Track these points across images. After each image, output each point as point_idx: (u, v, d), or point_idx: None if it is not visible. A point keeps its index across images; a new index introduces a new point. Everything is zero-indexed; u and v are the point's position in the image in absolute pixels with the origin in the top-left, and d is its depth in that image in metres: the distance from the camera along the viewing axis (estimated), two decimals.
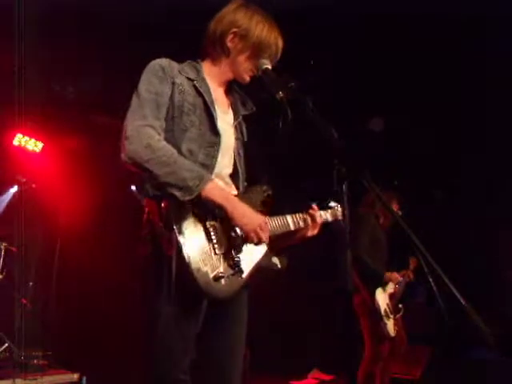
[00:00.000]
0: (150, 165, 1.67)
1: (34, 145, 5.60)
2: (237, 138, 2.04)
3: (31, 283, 4.96)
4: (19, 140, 5.51)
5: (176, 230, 1.65)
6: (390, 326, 4.21)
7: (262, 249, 1.95)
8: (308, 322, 6.06)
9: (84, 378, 4.33)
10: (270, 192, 2.04)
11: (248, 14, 1.96)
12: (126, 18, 4.35)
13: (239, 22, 1.95)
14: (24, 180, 5.05)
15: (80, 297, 5.14)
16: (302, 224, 2.09)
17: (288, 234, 2.07)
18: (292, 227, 2.06)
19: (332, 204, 2.38)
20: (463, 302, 1.49)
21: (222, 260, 1.77)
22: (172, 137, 1.81)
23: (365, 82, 5.08)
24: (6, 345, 4.44)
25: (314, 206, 2.14)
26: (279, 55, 2.02)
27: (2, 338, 4.45)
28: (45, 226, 5.36)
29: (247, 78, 2.01)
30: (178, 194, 1.67)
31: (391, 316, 4.24)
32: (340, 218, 2.39)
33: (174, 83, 1.85)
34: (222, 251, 1.78)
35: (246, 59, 1.96)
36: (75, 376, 4.33)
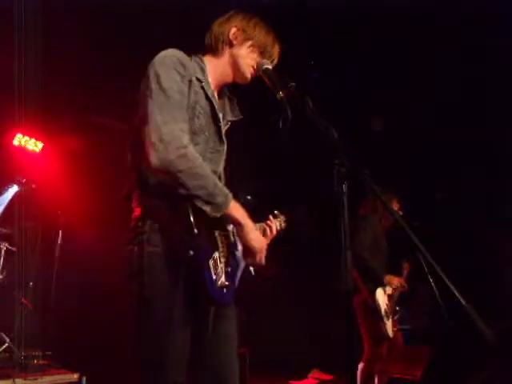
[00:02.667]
0: (183, 175, 1.64)
1: (33, 145, 5.61)
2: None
3: (31, 283, 4.96)
4: (19, 140, 5.51)
5: (196, 235, 1.65)
6: (389, 326, 4.23)
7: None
8: (308, 322, 6.05)
9: (84, 378, 4.32)
10: (251, 201, 2.05)
11: (247, 17, 2.03)
12: (127, 17, 4.36)
13: (240, 22, 2.00)
14: (24, 180, 5.05)
15: (80, 297, 5.14)
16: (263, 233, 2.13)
17: None
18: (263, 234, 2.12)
19: (276, 212, 2.38)
20: (463, 302, 1.49)
21: (224, 268, 1.80)
22: None
23: (365, 82, 5.08)
24: (6, 345, 4.44)
25: (271, 217, 2.20)
26: (277, 59, 2.04)
27: (1, 338, 4.45)
28: (45, 226, 5.35)
29: (248, 75, 2.00)
30: (207, 209, 1.68)
31: (390, 316, 4.26)
32: (276, 229, 2.31)
33: (190, 81, 1.82)
34: (225, 260, 1.82)
35: (248, 51, 1.98)
36: (75, 376, 4.32)
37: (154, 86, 1.72)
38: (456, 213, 5.87)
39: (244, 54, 1.98)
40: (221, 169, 1.97)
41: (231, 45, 1.98)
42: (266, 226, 2.16)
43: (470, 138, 5.42)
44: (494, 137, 5.36)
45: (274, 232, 2.17)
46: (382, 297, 4.24)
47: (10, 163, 5.39)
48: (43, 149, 5.67)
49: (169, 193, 1.69)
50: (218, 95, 2.06)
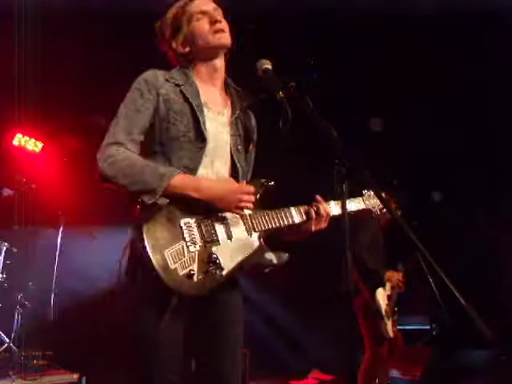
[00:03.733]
0: (117, 179, 1.78)
1: (33, 145, 5.61)
2: (234, 135, 2.03)
3: (31, 283, 4.96)
4: (19, 140, 5.51)
5: (143, 231, 1.70)
6: (389, 326, 4.24)
7: (253, 245, 1.92)
8: (308, 322, 6.06)
9: (84, 378, 4.32)
10: (270, 184, 2.00)
11: (165, 22, 2.06)
12: (127, 19, 4.35)
13: (166, 31, 2.04)
14: (24, 180, 5.05)
15: (80, 297, 5.14)
16: (305, 217, 2.02)
17: (293, 227, 2.01)
18: (297, 220, 2.01)
19: (365, 191, 2.25)
20: (463, 302, 1.49)
21: (196, 257, 1.76)
22: (163, 148, 1.87)
23: (365, 82, 5.08)
24: (6, 345, 4.44)
25: (318, 197, 2.05)
26: (202, 5, 2.01)
27: (1, 338, 4.45)
28: (45, 226, 5.36)
29: (216, 40, 1.98)
30: (145, 198, 1.74)
31: (390, 316, 4.27)
32: (375, 207, 2.26)
33: (158, 94, 1.89)
34: (197, 248, 1.78)
35: (198, 39, 1.98)
36: (75, 376, 4.32)
37: None
38: (456, 213, 5.87)
39: (198, 41, 1.98)
40: (215, 163, 1.94)
41: (187, 53, 2.01)
42: (310, 208, 2.02)
43: (470, 138, 5.42)
44: (496, 137, 5.36)
45: (324, 214, 2.01)
46: (382, 297, 4.26)
47: (9, 163, 5.39)
48: (43, 149, 5.67)
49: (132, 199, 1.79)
50: (223, 89, 2.08)
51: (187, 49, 2.00)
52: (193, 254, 1.76)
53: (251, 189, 1.89)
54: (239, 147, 2.04)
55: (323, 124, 1.70)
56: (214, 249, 1.81)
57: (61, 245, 5.21)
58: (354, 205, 2.21)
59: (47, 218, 5.37)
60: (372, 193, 2.25)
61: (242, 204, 1.85)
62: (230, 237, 1.87)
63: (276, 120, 1.78)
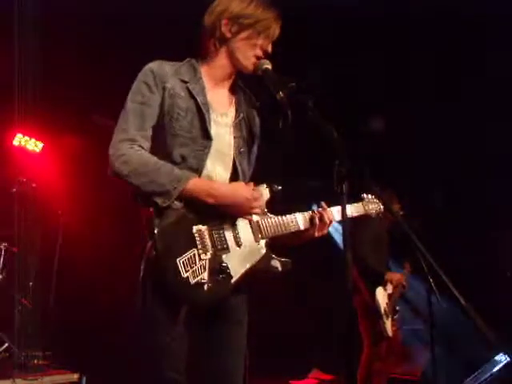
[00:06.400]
0: (130, 178, 1.74)
1: (34, 145, 5.60)
2: (237, 137, 2.00)
3: (31, 283, 4.95)
4: (19, 140, 5.50)
5: (156, 237, 1.68)
6: (388, 325, 4.25)
7: (260, 251, 1.92)
8: (308, 322, 6.05)
9: (84, 378, 4.32)
10: (277, 189, 1.98)
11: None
12: (126, 20, 4.36)
13: (231, 8, 1.92)
14: (24, 180, 5.05)
15: (80, 297, 5.14)
16: (309, 223, 2.03)
17: (296, 233, 2.03)
18: (302, 226, 2.02)
19: (364, 196, 2.27)
20: (463, 302, 1.49)
21: (207, 266, 1.74)
22: (164, 143, 1.84)
23: (365, 81, 5.09)
24: (6, 345, 4.44)
25: (323, 204, 2.06)
26: (276, 34, 1.97)
27: (1, 338, 4.44)
28: (45, 226, 5.35)
29: (250, 66, 1.94)
30: (158, 200, 1.72)
31: (389, 315, 4.27)
32: (375, 212, 2.30)
33: (164, 88, 1.86)
34: (208, 257, 1.76)
35: (244, 43, 1.92)
36: (75, 376, 4.32)
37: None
38: (456, 213, 5.87)
39: (241, 44, 1.92)
40: (216, 165, 1.91)
41: (226, 39, 1.93)
42: (314, 215, 2.03)
43: (469, 137, 5.42)
44: (493, 136, 5.36)
45: (327, 221, 2.02)
46: (381, 296, 4.26)
47: (10, 163, 5.39)
48: (43, 149, 5.67)
49: (143, 201, 1.77)
50: (230, 89, 2.04)
51: (228, 35, 1.92)
52: (204, 262, 1.74)
53: (259, 194, 1.89)
54: (242, 149, 2.00)
55: (324, 124, 1.70)
56: (224, 257, 1.80)
57: (61, 244, 5.21)
58: (354, 210, 2.23)
59: (47, 218, 5.37)
60: (372, 197, 2.28)
61: (253, 210, 1.87)
62: (238, 244, 1.86)
63: (276, 120, 1.78)
